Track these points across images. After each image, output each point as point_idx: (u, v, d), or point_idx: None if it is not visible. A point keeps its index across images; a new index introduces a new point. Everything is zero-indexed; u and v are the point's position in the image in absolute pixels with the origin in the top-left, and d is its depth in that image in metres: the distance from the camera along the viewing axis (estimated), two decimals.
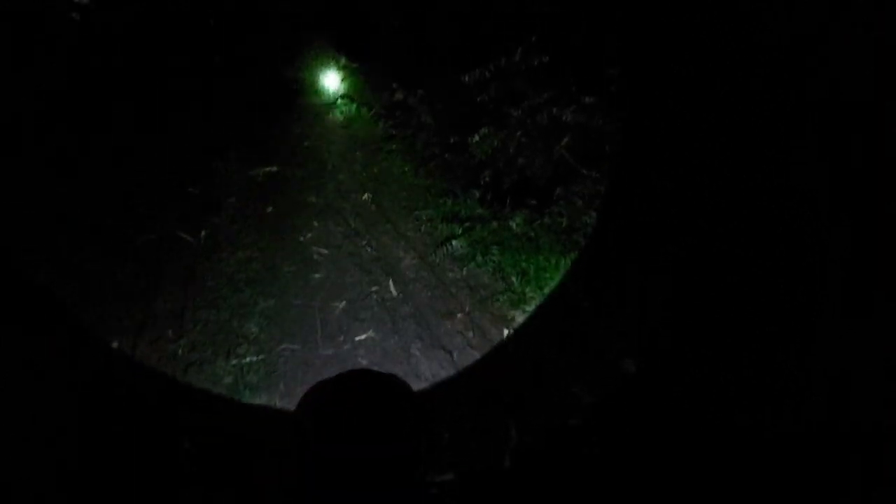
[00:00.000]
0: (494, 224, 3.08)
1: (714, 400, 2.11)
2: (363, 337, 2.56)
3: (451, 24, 4.17)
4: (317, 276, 2.95)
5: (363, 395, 0.68)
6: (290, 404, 2.24)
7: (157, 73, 5.40)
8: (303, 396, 0.68)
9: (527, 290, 2.74)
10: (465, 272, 2.92)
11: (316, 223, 3.41)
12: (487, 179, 3.33)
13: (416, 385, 2.33)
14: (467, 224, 3.15)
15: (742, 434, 1.98)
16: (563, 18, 3.45)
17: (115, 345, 2.50)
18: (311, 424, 0.65)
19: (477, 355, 2.46)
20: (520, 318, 2.63)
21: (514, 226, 3.01)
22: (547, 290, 2.73)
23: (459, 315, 2.67)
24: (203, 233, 3.29)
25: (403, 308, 2.71)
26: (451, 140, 3.62)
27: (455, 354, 2.46)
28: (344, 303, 2.76)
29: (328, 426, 0.64)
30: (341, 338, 2.56)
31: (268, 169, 4.02)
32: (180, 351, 2.48)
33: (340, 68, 5.46)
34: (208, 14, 5.70)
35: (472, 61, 3.48)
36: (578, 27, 3.37)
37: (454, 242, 3.03)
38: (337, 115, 5.07)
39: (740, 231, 2.54)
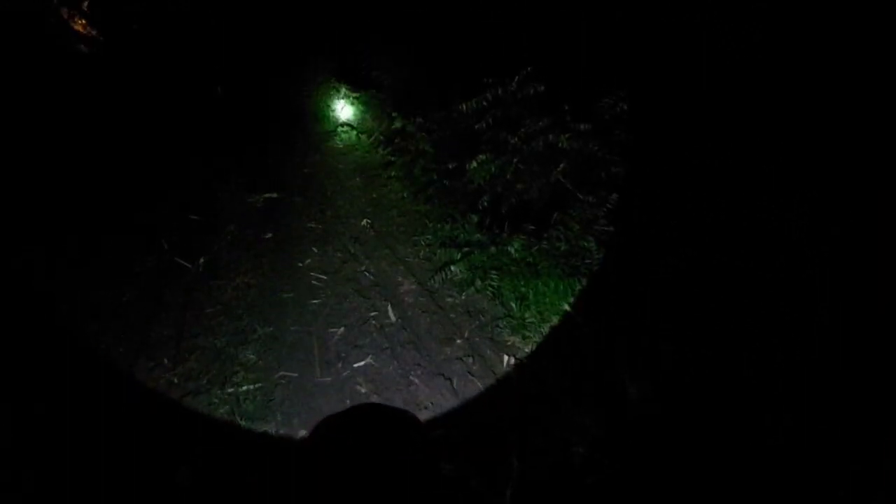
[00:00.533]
0: (493, 249, 3.09)
1: (720, 418, 2.08)
2: (362, 364, 2.53)
3: (449, 54, 4.29)
4: (315, 302, 2.94)
5: (373, 428, 0.68)
6: (288, 434, 2.19)
7: (161, 98, 5.51)
8: (313, 428, 0.68)
9: (526, 315, 2.73)
10: (464, 297, 2.91)
11: (315, 249, 3.42)
12: (485, 205, 3.36)
13: (416, 413, 2.29)
14: (466, 249, 3.16)
15: (748, 450, 1.94)
16: (557, 48, 3.55)
17: (113, 373, 2.47)
18: (320, 456, 0.65)
19: (477, 381, 2.43)
20: (520, 343, 2.61)
21: (512, 251, 3.02)
22: (547, 315, 2.72)
23: (459, 341, 2.65)
24: (202, 259, 3.29)
25: (402, 334, 2.70)
26: (450, 166, 3.67)
27: (455, 381, 2.43)
28: (342, 329, 2.74)
29: (338, 458, 0.64)
30: (339, 364, 2.53)
31: (267, 195, 4.06)
32: (176, 379, 2.45)
33: (341, 97, 5.59)
34: (211, 39, 5.86)
35: (469, 90, 3.56)
36: (574, 57, 3.47)
37: (453, 268, 3.04)
38: (337, 142, 5.15)
39: (739, 250, 2.55)
